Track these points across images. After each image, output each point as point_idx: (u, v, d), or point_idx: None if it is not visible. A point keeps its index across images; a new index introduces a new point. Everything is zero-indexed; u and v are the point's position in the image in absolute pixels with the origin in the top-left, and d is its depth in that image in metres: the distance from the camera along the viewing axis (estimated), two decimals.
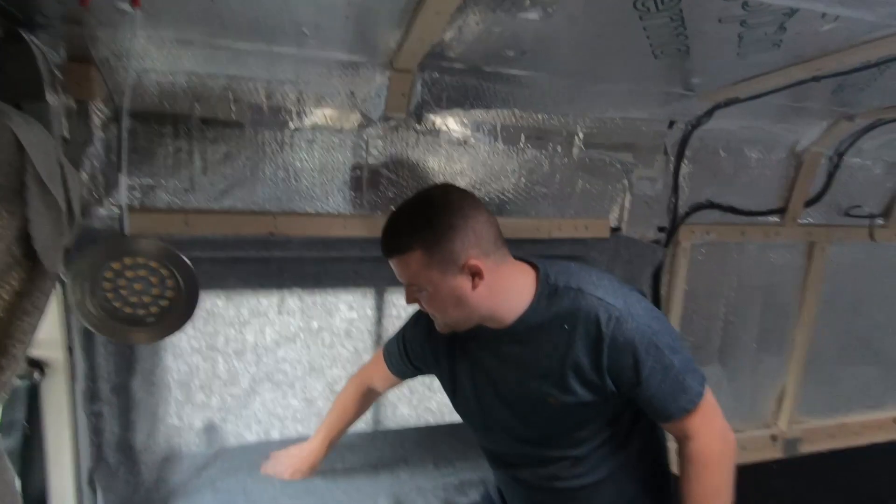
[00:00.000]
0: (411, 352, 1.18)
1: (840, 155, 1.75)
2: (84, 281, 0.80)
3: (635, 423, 1.06)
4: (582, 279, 0.96)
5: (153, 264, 0.82)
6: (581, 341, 0.93)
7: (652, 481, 1.10)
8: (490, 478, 1.34)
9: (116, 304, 0.83)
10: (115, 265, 0.81)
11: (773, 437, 1.96)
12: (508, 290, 0.96)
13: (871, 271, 1.98)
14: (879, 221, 1.90)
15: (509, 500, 1.24)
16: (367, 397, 1.31)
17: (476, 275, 0.92)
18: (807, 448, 1.99)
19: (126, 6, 0.81)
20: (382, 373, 1.25)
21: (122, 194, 0.87)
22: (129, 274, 0.82)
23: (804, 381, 1.95)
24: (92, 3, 0.82)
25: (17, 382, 1.10)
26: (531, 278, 0.98)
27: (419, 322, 1.15)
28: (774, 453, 1.96)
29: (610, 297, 0.93)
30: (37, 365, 1.14)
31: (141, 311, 0.84)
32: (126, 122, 0.92)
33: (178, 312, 0.85)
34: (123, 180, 0.87)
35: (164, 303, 0.84)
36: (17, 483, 1.03)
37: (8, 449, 1.11)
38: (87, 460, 1.26)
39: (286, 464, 1.36)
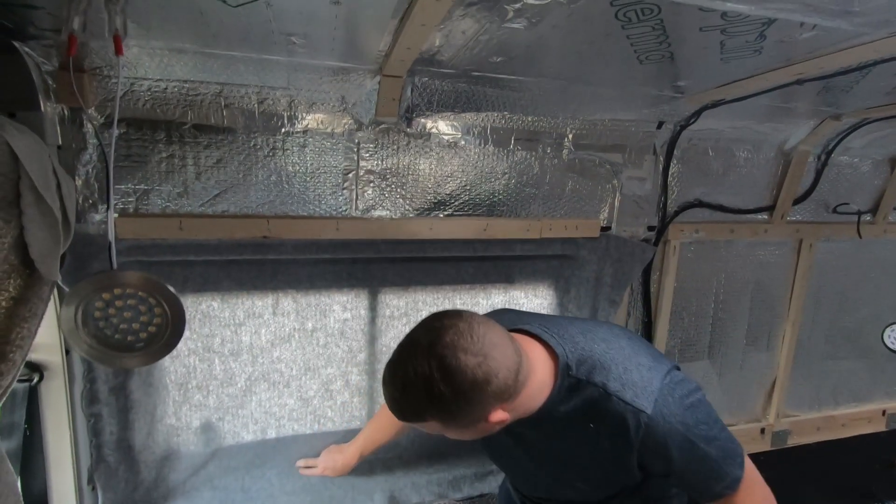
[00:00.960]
0: None
1: (828, 153, 1.77)
2: (76, 311, 0.83)
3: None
4: (607, 374, 0.88)
5: (141, 294, 0.86)
6: (609, 441, 0.89)
7: None
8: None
9: (108, 332, 0.87)
10: (106, 296, 0.84)
11: (762, 431, 2.00)
12: (530, 398, 0.88)
13: (857, 267, 2.00)
14: (867, 218, 1.93)
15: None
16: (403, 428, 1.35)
17: (500, 422, 0.84)
18: (795, 440, 2.03)
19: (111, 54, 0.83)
20: None
21: (111, 230, 0.90)
22: (118, 303, 0.86)
23: (792, 376, 1.99)
24: (79, 33, 0.84)
25: (17, 385, 1.12)
26: (550, 370, 0.90)
27: None
28: (763, 446, 2.00)
29: (639, 397, 0.85)
30: (35, 368, 1.16)
31: (130, 338, 0.88)
32: (112, 158, 0.94)
33: (165, 338, 0.89)
34: (111, 216, 0.90)
35: (152, 329, 0.88)
36: (18, 484, 1.06)
37: (9, 450, 1.13)
38: (86, 460, 1.28)
39: (322, 460, 1.42)
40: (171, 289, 0.86)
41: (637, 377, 0.88)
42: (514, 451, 1.05)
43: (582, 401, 0.88)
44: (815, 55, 1.02)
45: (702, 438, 0.88)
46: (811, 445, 2.06)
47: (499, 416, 0.82)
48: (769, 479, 2.20)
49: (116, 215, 1.16)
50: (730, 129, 1.60)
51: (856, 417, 2.14)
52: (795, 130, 1.65)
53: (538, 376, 0.88)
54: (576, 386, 0.89)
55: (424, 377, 0.78)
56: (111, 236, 0.89)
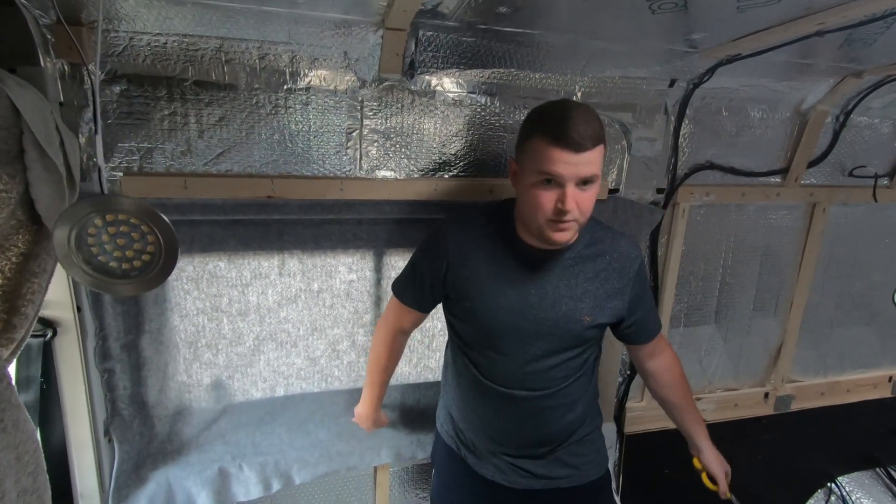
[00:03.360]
0: (429, 274, 1.18)
1: (847, 114, 1.71)
2: (69, 235, 0.83)
3: (594, 361, 1.29)
4: (609, 226, 1.22)
5: (134, 220, 0.85)
6: (616, 271, 1.16)
7: (594, 406, 1.34)
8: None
9: (101, 259, 0.87)
10: (98, 221, 0.84)
11: (766, 395, 2.01)
12: None
13: (870, 232, 1.96)
14: (884, 182, 1.88)
15: (474, 424, 1.29)
16: (398, 343, 1.34)
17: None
18: (798, 405, 2.04)
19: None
20: (402, 313, 1.28)
21: (100, 154, 0.89)
22: (111, 230, 0.85)
23: (799, 342, 1.98)
24: None
25: (31, 340, 1.15)
26: None
27: (433, 246, 1.18)
28: (766, 410, 2.02)
29: (636, 245, 1.21)
30: (49, 324, 1.19)
31: (125, 265, 0.88)
32: (98, 80, 0.92)
33: (159, 266, 0.89)
34: (99, 140, 0.89)
35: (146, 257, 0.88)
36: (38, 434, 1.10)
37: (26, 402, 1.17)
38: (102, 414, 1.33)
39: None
40: (165, 217, 0.85)
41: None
42: (515, 302, 1.13)
43: (601, 242, 1.16)
44: (837, 2, 0.97)
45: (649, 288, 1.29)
46: (814, 410, 2.08)
47: None
48: (770, 443, 2.24)
49: (121, 174, 1.16)
50: (745, 88, 1.55)
51: (861, 383, 2.14)
52: (814, 88, 1.59)
53: None
54: (593, 232, 1.16)
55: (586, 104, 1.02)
56: (101, 161, 0.88)
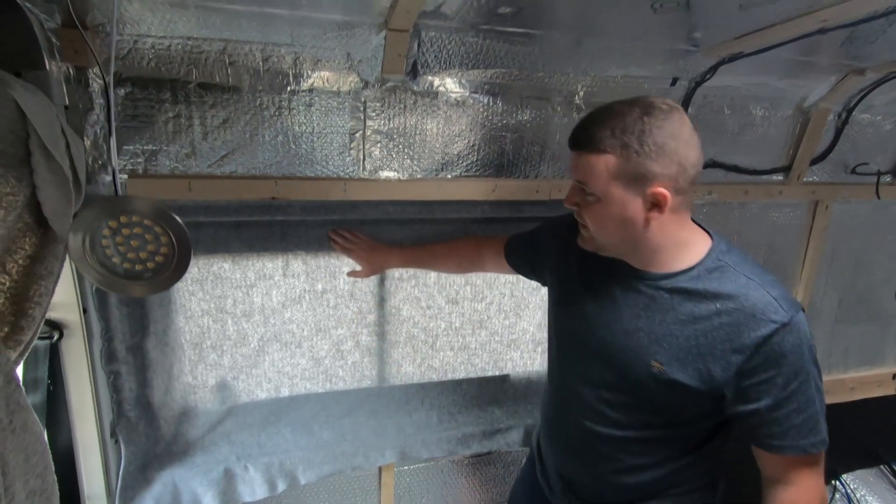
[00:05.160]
0: (537, 244, 1.18)
1: (849, 111, 1.71)
2: (83, 238, 0.84)
3: (702, 445, 0.99)
4: (759, 272, 0.88)
5: (147, 222, 0.86)
6: (728, 329, 0.84)
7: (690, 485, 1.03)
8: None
9: (115, 260, 0.87)
10: (112, 223, 0.85)
11: None
12: (677, 242, 0.90)
13: (874, 229, 1.96)
14: (887, 179, 1.88)
15: (544, 440, 1.24)
16: (469, 256, 1.31)
17: (656, 206, 0.84)
18: None
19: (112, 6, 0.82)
20: (495, 249, 1.28)
21: (114, 157, 0.90)
22: (125, 231, 0.86)
23: None
24: None
25: (38, 342, 1.15)
26: (704, 245, 0.91)
27: (556, 229, 1.17)
28: None
29: (786, 303, 0.83)
30: (55, 326, 1.19)
31: (138, 267, 0.89)
32: (112, 81, 0.93)
33: (172, 267, 0.90)
34: (113, 143, 0.89)
35: (159, 258, 0.89)
36: (45, 435, 1.10)
37: (34, 404, 1.17)
38: (109, 415, 1.33)
39: (359, 249, 1.39)
40: (178, 218, 0.86)
41: (784, 293, 0.85)
42: (589, 321, 1.00)
43: (719, 284, 0.86)
44: (839, 0, 0.97)
45: (815, 383, 0.84)
46: None
47: (664, 193, 0.83)
48: None
49: (126, 176, 1.17)
50: (747, 86, 1.55)
51: (865, 381, 2.14)
52: (816, 86, 1.59)
53: (692, 237, 0.91)
54: (721, 269, 0.88)
55: (649, 102, 0.83)
56: (115, 163, 0.89)
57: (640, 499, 1.04)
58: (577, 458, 1.10)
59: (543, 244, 1.22)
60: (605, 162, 0.84)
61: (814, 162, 1.75)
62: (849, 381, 2.11)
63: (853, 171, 1.83)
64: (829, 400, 2.04)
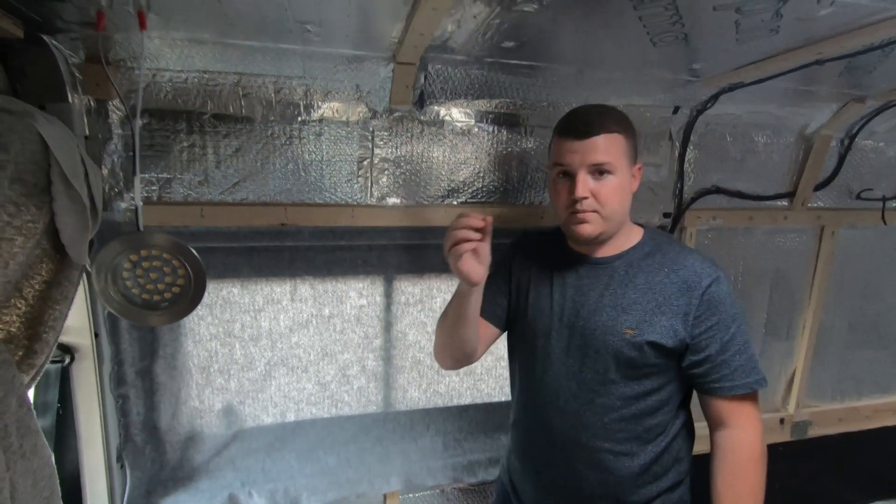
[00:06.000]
0: (496, 278, 1.18)
1: (851, 137, 1.72)
2: (106, 271, 0.87)
3: (677, 416, 1.08)
4: (683, 245, 1.12)
5: (166, 255, 0.90)
6: (678, 286, 1.01)
7: (674, 474, 1.10)
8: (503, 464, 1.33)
9: (135, 291, 0.91)
10: (133, 256, 0.88)
11: (781, 421, 1.97)
12: (627, 221, 1.09)
13: (882, 254, 1.95)
14: (893, 205, 1.88)
15: (524, 466, 1.22)
16: (472, 347, 1.15)
17: (636, 180, 1.07)
18: (815, 432, 2.00)
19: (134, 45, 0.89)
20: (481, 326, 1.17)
21: (137, 194, 0.93)
22: (145, 264, 0.90)
23: (813, 366, 1.95)
24: (107, 10, 0.87)
25: (49, 366, 1.17)
26: (640, 230, 1.12)
27: (502, 252, 1.22)
28: (783, 437, 1.97)
29: (711, 264, 1.04)
30: (66, 350, 1.21)
31: (156, 297, 0.92)
32: (138, 127, 0.98)
33: (189, 297, 0.93)
34: (138, 182, 0.93)
35: (176, 289, 0.93)
36: (53, 459, 1.11)
37: (43, 428, 1.18)
38: (116, 439, 1.34)
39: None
40: (194, 251, 0.90)
41: (703, 254, 1.07)
42: (559, 313, 1.10)
43: (662, 255, 1.06)
44: (835, 33, 1.00)
45: (744, 329, 1.02)
46: (833, 437, 2.03)
47: (640, 165, 1.07)
48: (788, 471, 2.17)
49: (140, 204, 1.20)
50: (748, 114, 1.57)
51: (881, 409, 2.09)
52: (817, 114, 1.62)
53: (632, 226, 1.11)
54: (658, 244, 1.08)
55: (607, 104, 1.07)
56: (138, 200, 0.93)
57: (651, 479, 1.08)
58: (583, 472, 1.10)
59: (503, 272, 1.20)
60: (618, 140, 1.00)
61: (818, 188, 1.76)
62: (863, 409, 2.07)
63: (858, 197, 1.84)
64: (845, 429, 2.02)
